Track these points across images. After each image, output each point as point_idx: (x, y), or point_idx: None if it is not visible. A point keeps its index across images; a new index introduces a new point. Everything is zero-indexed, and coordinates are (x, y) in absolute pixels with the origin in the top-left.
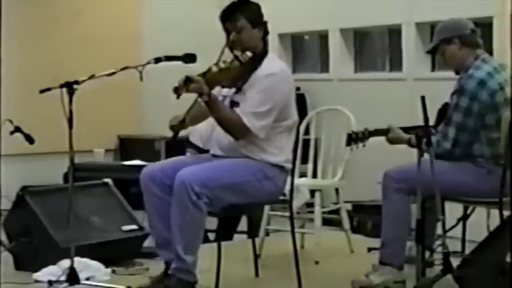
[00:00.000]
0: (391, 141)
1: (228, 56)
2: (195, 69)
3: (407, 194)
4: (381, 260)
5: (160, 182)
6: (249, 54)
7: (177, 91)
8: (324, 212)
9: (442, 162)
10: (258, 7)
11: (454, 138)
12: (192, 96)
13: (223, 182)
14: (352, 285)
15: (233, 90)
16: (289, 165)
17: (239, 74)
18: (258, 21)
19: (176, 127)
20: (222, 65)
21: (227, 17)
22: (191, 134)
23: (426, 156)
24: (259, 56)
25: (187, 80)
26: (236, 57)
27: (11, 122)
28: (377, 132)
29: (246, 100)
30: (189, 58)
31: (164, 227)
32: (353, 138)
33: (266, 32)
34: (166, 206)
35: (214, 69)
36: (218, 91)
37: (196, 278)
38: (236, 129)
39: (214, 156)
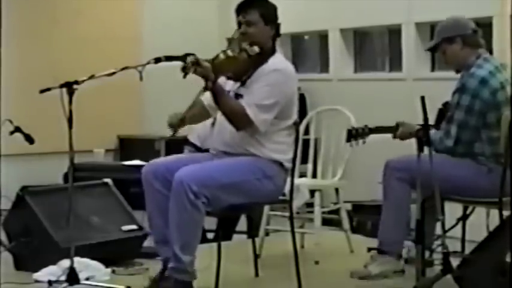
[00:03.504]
0: (402, 137)
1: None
2: None
3: (408, 183)
4: (380, 247)
5: (162, 178)
6: (256, 49)
7: (185, 70)
8: (323, 212)
9: (443, 159)
10: (274, 7)
11: (456, 136)
12: (194, 91)
13: (222, 181)
14: (351, 276)
15: (237, 84)
16: (288, 164)
17: (245, 67)
18: (272, 20)
19: (175, 124)
20: (229, 53)
21: (242, 9)
22: (190, 133)
23: (426, 152)
24: (267, 53)
25: (196, 62)
26: (244, 49)
27: (11, 122)
28: (378, 130)
29: (250, 93)
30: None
31: (164, 223)
32: (353, 135)
33: (277, 33)
34: (167, 202)
35: (222, 56)
36: (223, 84)
37: (194, 277)
38: (239, 119)
39: (215, 154)
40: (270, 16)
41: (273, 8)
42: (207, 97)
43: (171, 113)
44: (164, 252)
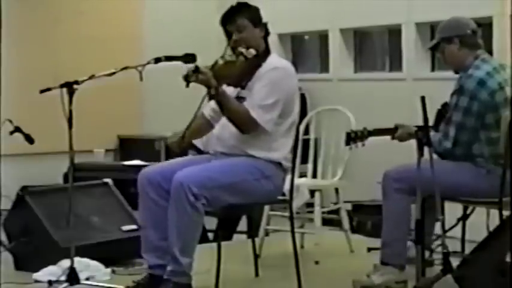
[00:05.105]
0: (401, 139)
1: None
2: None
3: (408, 193)
4: (382, 260)
5: (158, 186)
6: (253, 51)
7: (187, 78)
8: (323, 212)
9: (442, 162)
10: (256, 9)
11: (454, 137)
12: (194, 91)
13: (221, 182)
14: (353, 285)
15: (238, 89)
16: (287, 164)
17: (244, 70)
18: (259, 21)
19: (176, 144)
20: (228, 58)
21: (228, 19)
22: None
23: (426, 156)
24: (263, 54)
25: (196, 70)
26: (241, 53)
27: (11, 122)
28: (377, 132)
29: (251, 95)
30: (189, 58)
31: (155, 232)
32: (352, 138)
33: (267, 33)
34: (160, 212)
35: (220, 62)
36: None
37: (191, 280)
38: (244, 122)
39: (214, 154)
40: (256, 18)
41: (256, 10)
42: (207, 107)
43: (171, 133)
44: (150, 259)
